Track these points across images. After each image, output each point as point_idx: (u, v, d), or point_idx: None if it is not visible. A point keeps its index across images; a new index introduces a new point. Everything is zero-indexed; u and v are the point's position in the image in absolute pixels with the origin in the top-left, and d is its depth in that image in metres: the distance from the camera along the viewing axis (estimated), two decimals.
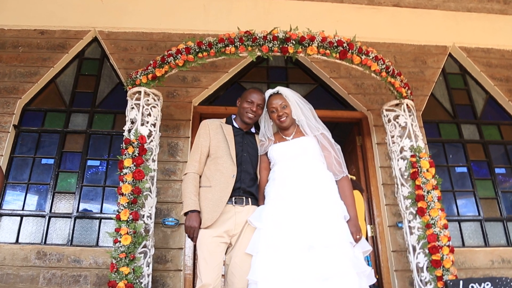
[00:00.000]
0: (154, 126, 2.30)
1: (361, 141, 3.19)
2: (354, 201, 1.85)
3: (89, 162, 2.89)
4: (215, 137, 1.93)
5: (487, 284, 1.97)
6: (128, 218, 1.96)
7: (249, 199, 1.87)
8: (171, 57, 2.24)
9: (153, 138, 2.26)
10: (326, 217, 1.68)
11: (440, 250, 2.05)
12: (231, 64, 3.16)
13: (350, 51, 2.23)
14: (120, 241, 1.92)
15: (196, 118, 3.00)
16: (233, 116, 2.06)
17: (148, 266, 2.06)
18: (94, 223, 2.73)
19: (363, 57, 2.26)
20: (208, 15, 3.28)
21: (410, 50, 3.40)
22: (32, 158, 2.87)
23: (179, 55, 2.22)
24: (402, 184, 2.33)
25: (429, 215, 2.14)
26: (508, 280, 1.98)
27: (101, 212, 2.76)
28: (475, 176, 3.10)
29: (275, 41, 2.20)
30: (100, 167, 2.90)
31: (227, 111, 2.92)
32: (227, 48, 2.20)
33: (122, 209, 1.98)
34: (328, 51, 2.22)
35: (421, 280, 2.10)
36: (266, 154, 1.99)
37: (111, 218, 2.61)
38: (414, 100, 2.56)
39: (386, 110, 2.55)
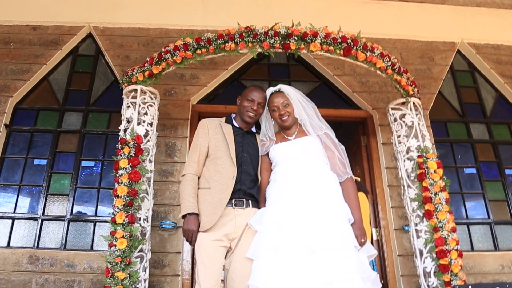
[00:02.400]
0: (151, 126, 2.28)
1: (366, 141, 3.16)
2: (358, 203, 1.82)
3: (83, 163, 2.86)
4: (214, 137, 1.89)
5: None
6: (124, 221, 1.94)
7: (250, 201, 1.84)
8: (169, 54, 2.21)
9: (150, 138, 2.24)
10: (330, 220, 1.65)
11: (448, 254, 2.02)
12: (231, 61, 3.12)
13: (355, 48, 2.20)
14: (115, 245, 1.90)
15: (195, 117, 2.97)
16: (233, 115, 2.03)
17: (145, 271, 2.04)
18: (89, 226, 2.69)
19: (368, 53, 2.23)
20: (207, 10, 3.25)
21: (417, 47, 3.36)
22: (24, 158, 2.84)
23: (177, 51, 2.20)
24: (408, 186, 2.31)
25: (436, 218, 2.11)
26: None
27: (95, 214, 2.73)
28: (484, 178, 3.05)
29: (277, 37, 2.17)
30: (94, 168, 2.87)
31: (226, 109, 2.89)
32: (226, 44, 2.17)
33: (118, 212, 1.96)
34: (331, 48, 2.20)
35: (428, 286, 2.07)
36: (267, 154, 1.96)
37: (106, 221, 2.59)
38: (421, 99, 2.53)
39: (392, 109, 2.52)
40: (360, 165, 3.17)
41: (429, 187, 2.17)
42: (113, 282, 1.83)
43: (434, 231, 2.08)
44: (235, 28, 2.19)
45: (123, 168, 2.03)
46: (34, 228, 2.64)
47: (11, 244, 2.59)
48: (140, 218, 2.05)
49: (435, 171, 2.21)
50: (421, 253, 2.13)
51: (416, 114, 2.41)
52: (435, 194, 2.15)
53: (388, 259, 2.73)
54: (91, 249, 2.60)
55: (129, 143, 2.09)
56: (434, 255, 2.05)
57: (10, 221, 2.66)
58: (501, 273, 2.68)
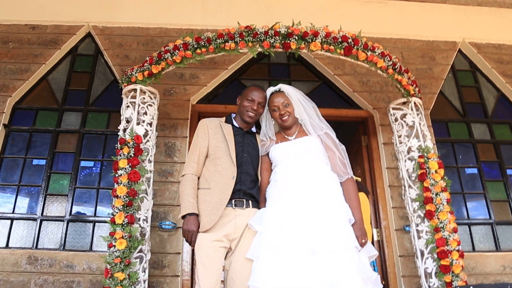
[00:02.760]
0: (151, 126, 2.27)
1: (366, 141, 3.14)
2: (359, 203, 1.81)
3: (83, 163, 2.85)
4: (214, 137, 1.88)
5: None
6: (123, 221, 1.93)
7: (250, 201, 1.83)
8: (168, 53, 2.21)
9: (150, 138, 2.24)
10: (330, 220, 1.64)
11: (449, 255, 2.01)
12: (230, 60, 3.11)
13: (355, 47, 2.20)
14: (114, 246, 1.89)
15: (194, 117, 2.96)
16: (233, 115, 2.02)
17: (144, 271, 2.03)
18: (88, 227, 2.68)
19: (369, 53, 2.23)
20: (206, 9, 3.24)
21: (418, 46, 3.35)
22: (23, 158, 2.82)
23: (177, 51, 2.19)
24: (409, 186, 2.30)
25: (437, 218, 2.10)
26: None
27: (95, 215, 2.71)
28: (486, 178, 3.04)
29: (277, 37, 2.16)
30: (94, 168, 2.86)
31: (226, 109, 2.88)
32: (226, 43, 2.17)
33: (117, 212, 1.95)
34: (332, 47, 2.19)
35: (429, 286, 2.07)
36: (267, 154, 1.95)
37: (105, 222, 2.57)
38: (422, 98, 2.52)
39: (393, 108, 2.52)
40: (360, 165, 3.16)
41: (430, 188, 2.16)
42: (113, 283, 1.82)
43: (435, 232, 2.07)
44: (235, 28, 2.18)
45: (123, 168, 2.02)
46: (33, 229, 2.62)
47: (10, 245, 2.57)
48: (139, 219, 2.04)
49: (436, 171, 2.20)
50: (422, 254, 2.13)
51: (417, 114, 2.41)
52: (436, 194, 2.14)
53: (389, 260, 2.72)
54: (90, 249, 2.59)
55: (129, 143, 2.09)
56: (435, 256, 2.04)
57: (9, 221, 2.64)
58: (502, 273, 2.67)
